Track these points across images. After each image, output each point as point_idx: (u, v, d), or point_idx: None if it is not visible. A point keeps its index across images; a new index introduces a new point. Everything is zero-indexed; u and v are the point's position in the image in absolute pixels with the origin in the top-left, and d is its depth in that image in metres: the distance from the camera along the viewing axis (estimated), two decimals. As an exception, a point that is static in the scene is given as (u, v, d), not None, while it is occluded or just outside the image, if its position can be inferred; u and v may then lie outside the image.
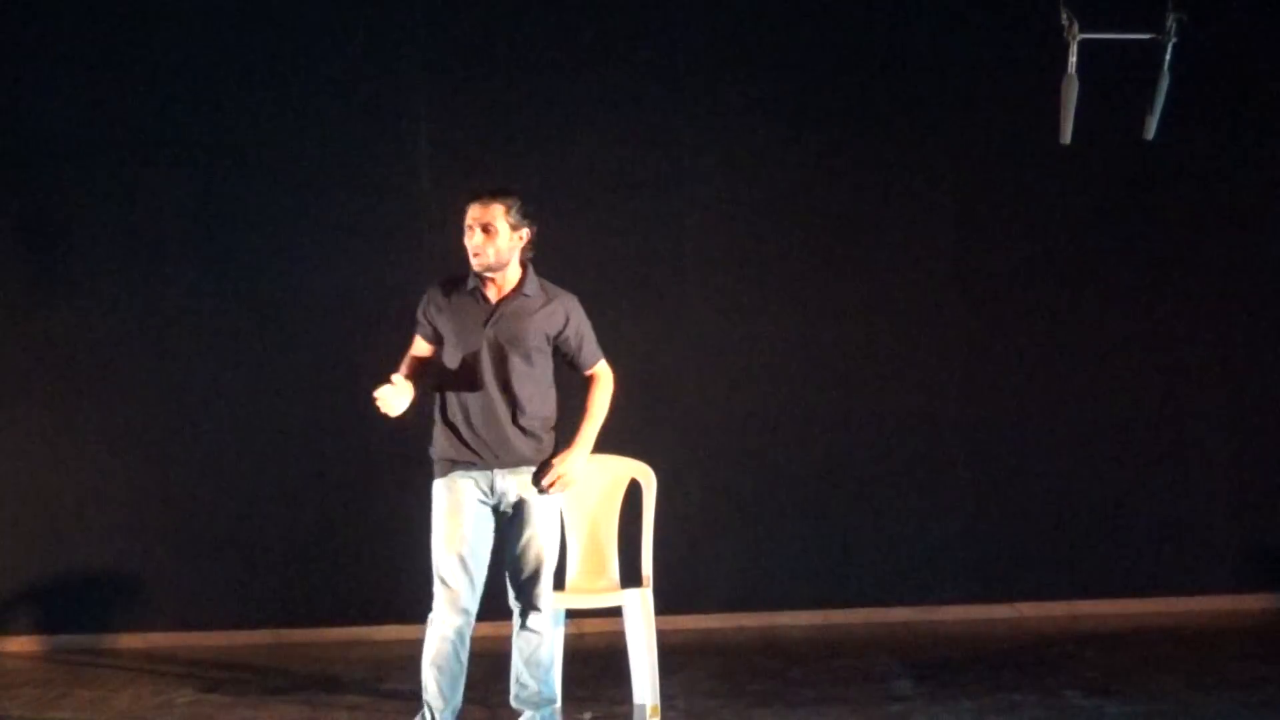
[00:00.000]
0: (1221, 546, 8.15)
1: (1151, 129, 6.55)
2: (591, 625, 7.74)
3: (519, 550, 5.61)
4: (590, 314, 5.40)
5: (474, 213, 5.52)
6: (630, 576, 6.28)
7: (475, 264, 5.54)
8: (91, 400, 8.20)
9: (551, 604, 5.71)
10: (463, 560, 5.53)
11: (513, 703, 5.78)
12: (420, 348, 5.73)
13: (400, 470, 7.61)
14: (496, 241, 5.49)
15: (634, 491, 6.31)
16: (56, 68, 8.22)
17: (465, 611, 5.58)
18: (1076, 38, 6.28)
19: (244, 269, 8.23)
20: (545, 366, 5.64)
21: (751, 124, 8.21)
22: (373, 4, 8.27)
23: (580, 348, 5.68)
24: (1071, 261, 8.19)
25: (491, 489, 5.59)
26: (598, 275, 8.19)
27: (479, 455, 5.56)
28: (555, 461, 5.59)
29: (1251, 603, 8.04)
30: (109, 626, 8.18)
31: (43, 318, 8.24)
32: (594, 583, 6.26)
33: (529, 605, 5.64)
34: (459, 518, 5.55)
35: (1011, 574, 8.14)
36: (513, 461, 5.58)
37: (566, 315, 5.64)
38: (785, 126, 8.20)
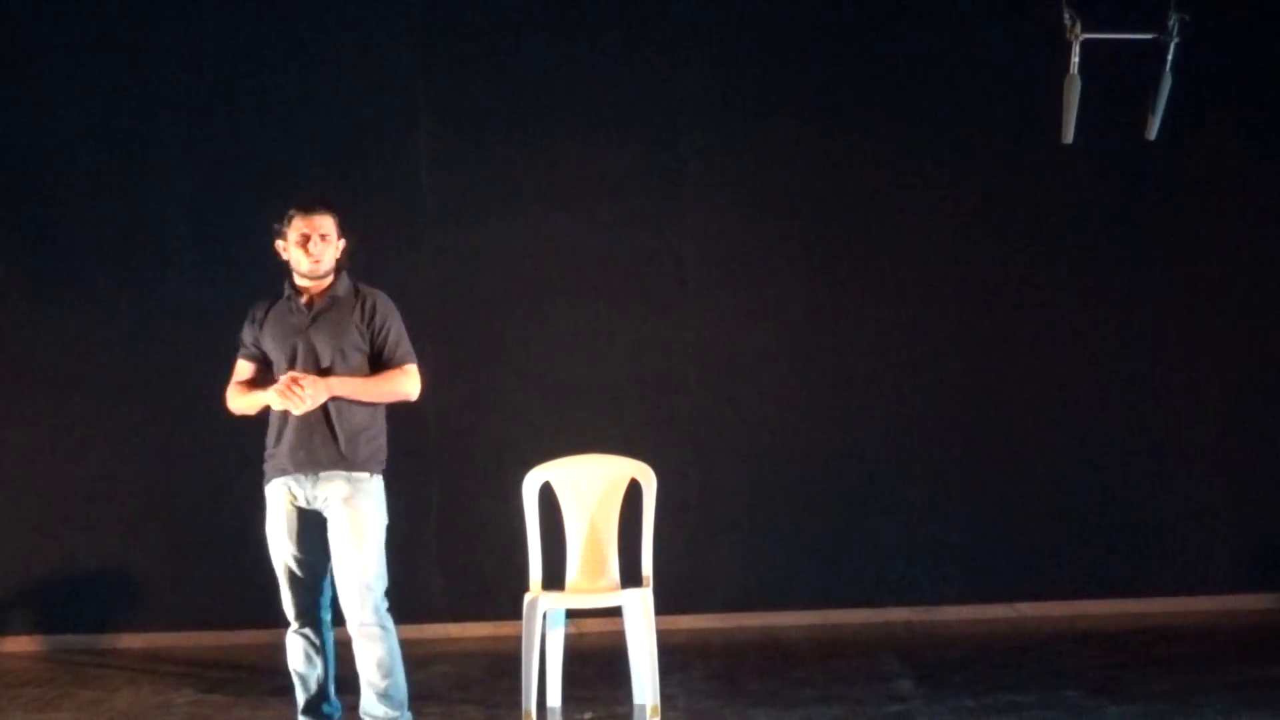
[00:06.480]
0: (1221, 546, 8.14)
1: (1153, 129, 6.55)
2: (591, 625, 7.74)
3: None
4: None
5: (314, 223, 5.68)
6: (630, 576, 6.28)
7: (312, 270, 5.68)
8: (91, 400, 8.20)
9: (345, 612, 5.81)
10: None
11: None
12: (243, 371, 5.86)
13: (397, 469, 7.60)
14: (331, 249, 5.71)
15: (634, 491, 6.31)
16: (56, 68, 8.21)
17: None
18: (1079, 37, 6.28)
19: (244, 269, 8.21)
20: (364, 367, 5.68)
21: (751, 124, 8.20)
22: (372, 4, 8.27)
23: (387, 340, 5.70)
24: (1072, 261, 8.18)
25: (310, 496, 5.67)
26: (598, 275, 8.19)
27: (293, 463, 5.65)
28: (304, 378, 5.56)
29: (1251, 603, 8.03)
30: (109, 626, 8.19)
31: (43, 317, 8.24)
32: (594, 583, 6.25)
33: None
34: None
35: (1011, 574, 8.13)
36: (321, 467, 5.62)
37: (375, 308, 5.71)
38: (785, 126, 8.19)
